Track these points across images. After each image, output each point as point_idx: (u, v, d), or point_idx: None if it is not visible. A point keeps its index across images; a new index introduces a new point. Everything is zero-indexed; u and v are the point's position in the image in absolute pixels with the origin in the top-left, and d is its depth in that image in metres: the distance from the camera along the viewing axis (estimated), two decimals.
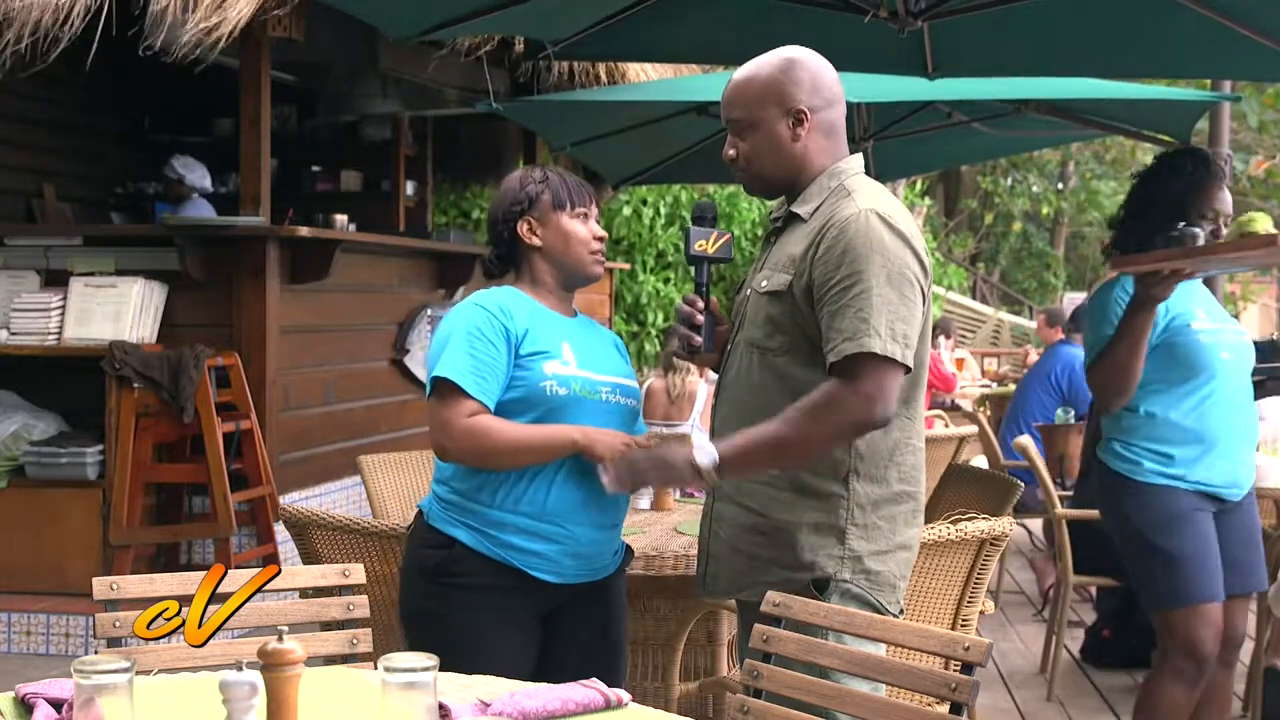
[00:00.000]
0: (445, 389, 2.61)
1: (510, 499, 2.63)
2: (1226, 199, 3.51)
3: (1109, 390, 3.48)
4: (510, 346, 2.64)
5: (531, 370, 2.63)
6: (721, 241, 2.68)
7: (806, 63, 2.55)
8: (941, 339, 11.09)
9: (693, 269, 2.72)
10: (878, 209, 2.44)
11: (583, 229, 2.76)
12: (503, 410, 2.64)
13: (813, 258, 2.44)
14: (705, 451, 2.41)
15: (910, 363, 2.40)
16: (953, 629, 3.28)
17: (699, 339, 2.66)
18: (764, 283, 2.55)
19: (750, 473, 2.47)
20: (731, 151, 2.59)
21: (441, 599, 2.64)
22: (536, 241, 2.75)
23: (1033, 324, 17.20)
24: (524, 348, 2.65)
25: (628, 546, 2.88)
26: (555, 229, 2.74)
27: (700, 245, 2.67)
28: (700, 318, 2.66)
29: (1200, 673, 3.51)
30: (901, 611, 2.56)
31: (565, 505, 2.64)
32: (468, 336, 2.63)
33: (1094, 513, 5.00)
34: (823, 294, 2.42)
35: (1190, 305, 3.54)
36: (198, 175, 7.50)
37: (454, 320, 2.67)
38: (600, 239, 2.78)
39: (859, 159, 2.61)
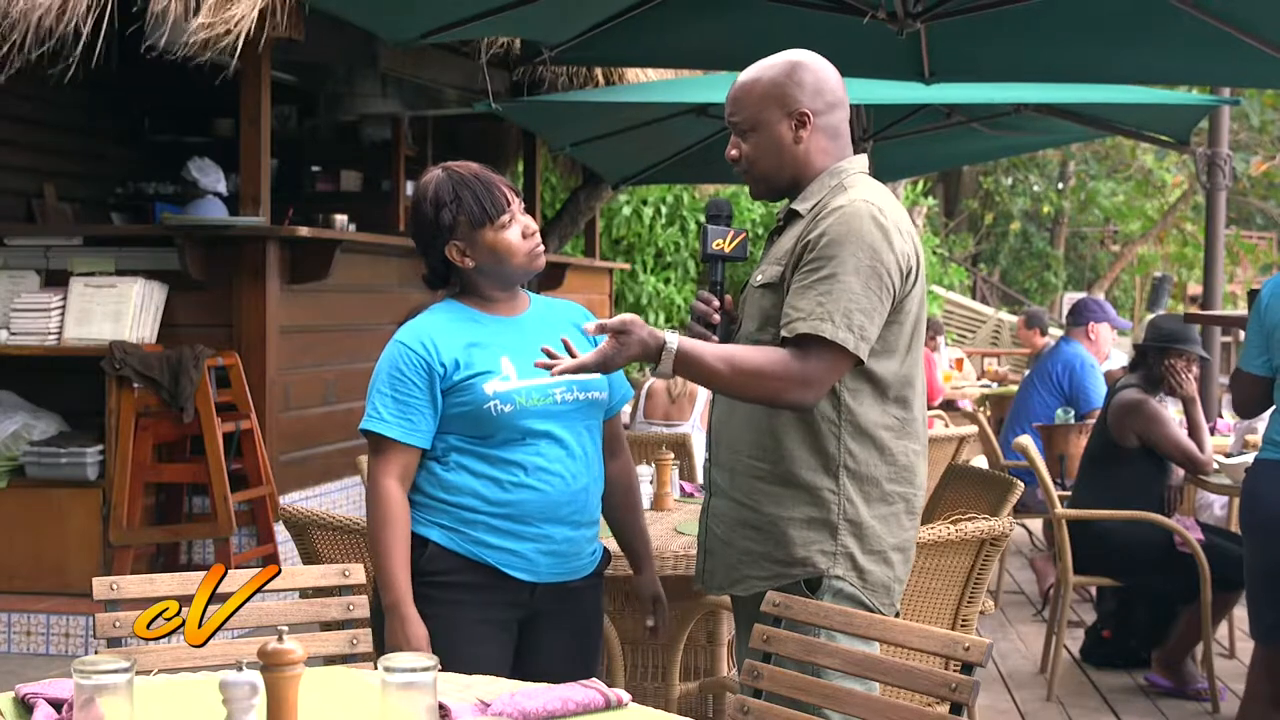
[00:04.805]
0: (374, 440, 2.62)
1: (480, 499, 2.62)
2: None
3: None
4: (434, 381, 2.61)
5: (473, 393, 2.61)
6: (738, 240, 2.67)
7: (811, 65, 2.56)
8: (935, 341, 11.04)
9: (704, 267, 2.72)
10: (869, 200, 2.45)
11: (512, 236, 2.67)
12: (464, 437, 2.62)
13: (802, 247, 2.46)
14: (671, 339, 2.41)
15: (864, 354, 2.41)
16: (953, 629, 3.28)
17: (715, 338, 2.66)
18: (759, 277, 2.57)
19: (690, 377, 2.47)
20: (734, 152, 2.60)
21: (418, 599, 2.60)
22: (470, 263, 2.67)
23: None
24: (458, 375, 2.61)
25: (605, 549, 2.83)
26: (484, 247, 2.66)
27: (718, 244, 2.66)
28: (716, 317, 2.65)
29: None
30: (897, 615, 2.55)
31: (537, 504, 2.63)
32: (389, 379, 2.62)
33: (1094, 513, 5.04)
34: (797, 271, 2.44)
35: None
36: (212, 179, 7.51)
37: (380, 363, 2.66)
38: (531, 233, 2.68)
39: (863, 159, 2.61)
